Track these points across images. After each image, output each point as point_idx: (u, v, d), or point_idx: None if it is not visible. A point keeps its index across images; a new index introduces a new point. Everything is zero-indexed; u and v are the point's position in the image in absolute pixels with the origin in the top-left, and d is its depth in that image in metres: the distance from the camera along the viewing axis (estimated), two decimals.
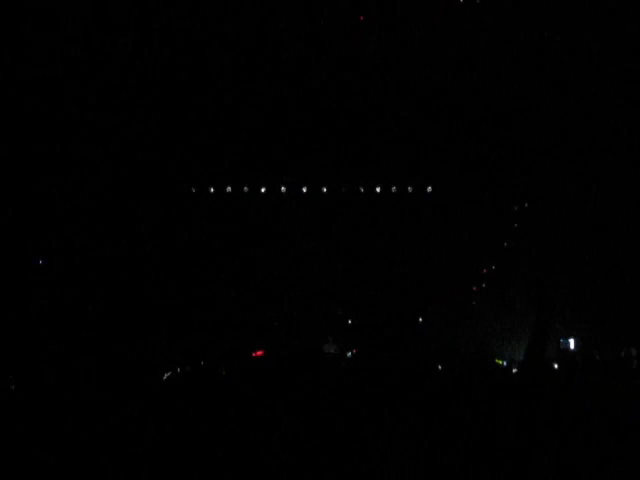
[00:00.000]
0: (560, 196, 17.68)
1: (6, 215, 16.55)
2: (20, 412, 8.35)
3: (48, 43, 16.80)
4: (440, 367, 12.36)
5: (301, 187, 18.63)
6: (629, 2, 16.90)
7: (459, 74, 17.77)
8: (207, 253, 18.17)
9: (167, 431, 7.78)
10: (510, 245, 18.30)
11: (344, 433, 7.73)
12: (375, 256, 18.33)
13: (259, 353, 14.93)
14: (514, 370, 14.66)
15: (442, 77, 17.80)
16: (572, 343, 17.26)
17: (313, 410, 8.27)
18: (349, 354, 16.42)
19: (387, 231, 18.44)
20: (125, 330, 16.37)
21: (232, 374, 10.81)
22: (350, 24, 17.83)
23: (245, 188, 18.59)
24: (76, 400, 8.61)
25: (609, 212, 17.29)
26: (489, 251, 18.40)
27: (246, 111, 17.91)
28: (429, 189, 18.56)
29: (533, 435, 7.73)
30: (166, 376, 11.81)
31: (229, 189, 18.60)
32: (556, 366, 13.85)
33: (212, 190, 18.57)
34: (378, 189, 18.65)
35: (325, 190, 18.70)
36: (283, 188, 18.59)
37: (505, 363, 15.87)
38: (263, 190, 18.63)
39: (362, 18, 17.84)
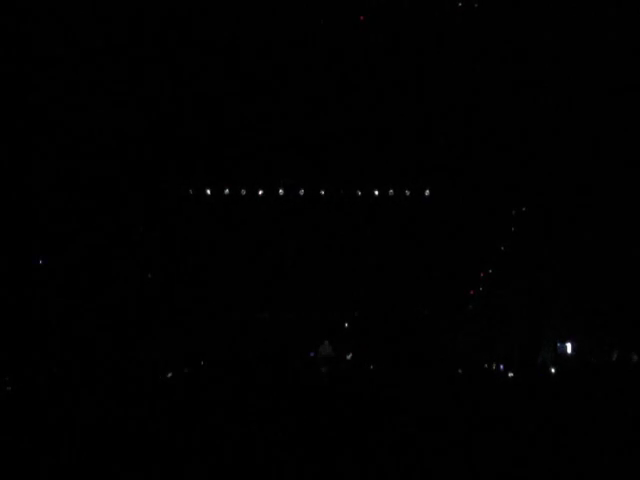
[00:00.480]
0: (558, 201, 17.74)
1: (6, 215, 16.54)
2: (17, 412, 8.35)
3: (47, 43, 16.81)
4: (437, 370, 12.38)
5: (299, 190, 18.64)
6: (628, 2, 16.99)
7: (459, 79, 17.82)
8: (204, 255, 18.19)
9: (163, 432, 7.80)
10: (507, 249, 18.34)
11: (338, 437, 7.76)
12: (372, 259, 18.36)
13: None
14: (510, 374, 14.69)
15: (441, 81, 17.85)
16: (569, 347, 17.33)
17: (306, 414, 8.30)
18: (349, 356, 16.47)
19: (384, 234, 18.47)
20: (125, 330, 16.38)
21: (228, 375, 10.83)
22: (350, 24, 17.86)
23: (243, 191, 18.59)
24: (75, 400, 8.63)
25: (607, 216, 17.35)
26: (487, 255, 18.45)
27: (244, 113, 17.91)
28: (427, 192, 18.60)
29: (529, 437, 7.77)
30: (163, 378, 11.83)
31: (227, 191, 18.60)
32: (553, 370, 13.90)
33: (209, 192, 18.57)
34: (376, 192, 18.69)
35: (323, 193, 18.71)
36: (281, 191, 18.61)
37: (502, 367, 15.90)
38: (260, 192, 18.63)
39: (362, 18, 17.86)
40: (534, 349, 17.09)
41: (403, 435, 7.77)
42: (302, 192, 18.59)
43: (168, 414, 8.32)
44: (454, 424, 8.07)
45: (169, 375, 11.86)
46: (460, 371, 12.42)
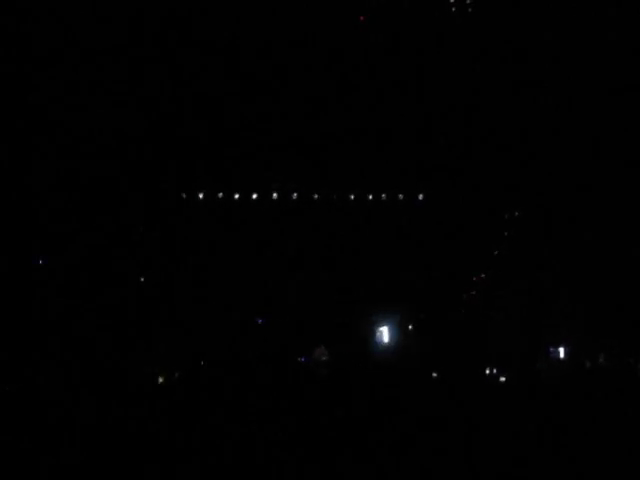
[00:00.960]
0: (557, 202, 17.74)
1: (6, 215, 16.55)
2: (17, 412, 8.36)
3: (47, 43, 16.83)
4: (433, 374, 12.38)
5: (291, 194, 18.61)
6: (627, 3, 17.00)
7: (453, 81, 17.82)
8: (205, 255, 18.16)
9: (163, 432, 7.81)
10: (501, 253, 18.33)
11: (338, 437, 7.77)
12: (366, 263, 18.34)
13: None
14: (502, 378, 14.70)
15: (435, 84, 17.85)
16: (562, 352, 17.30)
17: (306, 414, 8.31)
18: (344, 358, 16.45)
19: (378, 238, 18.44)
20: (125, 330, 16.38)
21: (225, 377, 10.83)
22: (349, 24, 17.86)
23: (236, 195, 18.57)
24: (75, 400, 8.64)
25: (606, 216, 17.35)
26: (481, 259, 18.43)
27: (240, 114, 17.91)
28: (420, 197, 18.58)
29: (529, 437, 7.79)
30: (161, 380, 11.84)
31: (220, 195, 18.58)
32: (552, 371, 13.91)
33: (201, 196, 18.55)
34: (370, 196, 18.66)
35: (316, 197, 18.67)
36: (275, 194, 18.59)
37: (495, 370, 15.91)
38: (255, 196, 18.61)
39: (362, 18, 17.87)
40: (532, 352, 17.09)
41: (403, 435, 7.80)
42: (295, 196, 18.58)
43: (168, 414, 8.34)
44: (454, 424, 8.10)
45: (169, 375, 11.87)
46: (459, 372, 12.44)
